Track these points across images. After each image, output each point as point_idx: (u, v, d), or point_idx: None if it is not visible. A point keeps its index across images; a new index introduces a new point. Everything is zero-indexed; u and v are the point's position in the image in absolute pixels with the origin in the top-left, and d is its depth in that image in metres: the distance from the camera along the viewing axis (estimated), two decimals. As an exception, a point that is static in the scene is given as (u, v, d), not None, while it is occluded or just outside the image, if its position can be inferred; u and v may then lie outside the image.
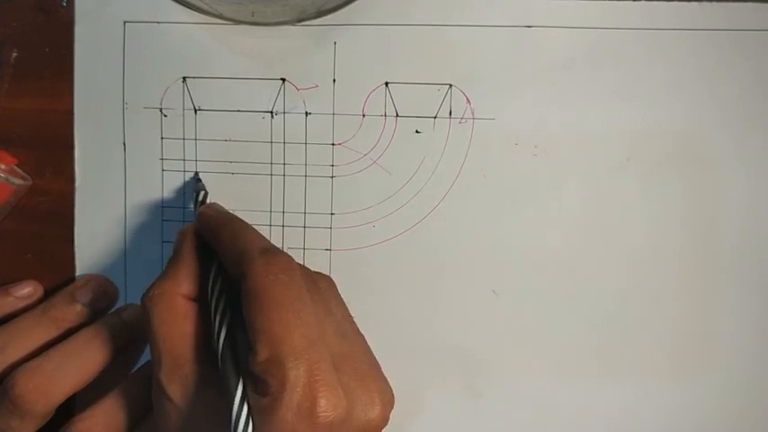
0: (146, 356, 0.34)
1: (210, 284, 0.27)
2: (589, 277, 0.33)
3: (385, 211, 0.33)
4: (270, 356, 0.23)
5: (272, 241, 0.34)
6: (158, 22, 0.33)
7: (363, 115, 0.33)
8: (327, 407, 0.23)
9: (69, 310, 0.32)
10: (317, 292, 0.28)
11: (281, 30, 0.32)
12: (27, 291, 0.33)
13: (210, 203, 0.32)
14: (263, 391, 0.23)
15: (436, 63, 0.32)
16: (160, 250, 0.34)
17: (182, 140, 0.33)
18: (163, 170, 0.34)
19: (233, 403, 0.23)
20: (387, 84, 0.32)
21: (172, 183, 0.34)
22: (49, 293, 0.34)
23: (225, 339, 0.25)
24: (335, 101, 0.33)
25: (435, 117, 0.32)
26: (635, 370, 0.33)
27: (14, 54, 0.34)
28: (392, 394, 0.27)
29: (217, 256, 0.28)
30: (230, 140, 0.33)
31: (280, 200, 0.33)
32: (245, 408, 0.23)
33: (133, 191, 0.34)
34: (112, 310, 0.34)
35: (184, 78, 0.33)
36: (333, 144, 0.33)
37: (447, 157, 0.33)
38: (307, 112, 0.33)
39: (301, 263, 0.29)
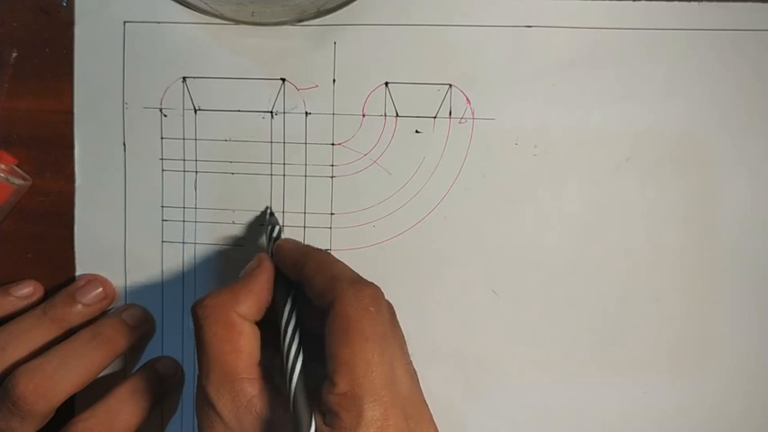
0: (146, 356, 0.34)
1: (286, 314, 0.27)
2: (589, 277, 0.33)
3: (385, 211, 0.33)
4: (349, 391, 0.23)
5: (272, 241, 0.34)
6: (158, 22, 0.33)
7: (363, 115, 0.33)
8: None
9: (69, 310, 0.32)
10: (396, 327, 0.28)
11: (281, 30, 0.32)
12: (27, 291, 0.33)
13: (288, 238, 0.32)
14: (334, 424, 0.23)
15: (436, 63, 0.32)
16: (160, 250, 0.34)
17: (182, 140, 0.33)
18: (163, 170, 0.34)
19: (300, 428, 0.23)
20: (387, 84, 0.32)
21: (172, 183, 0.34)
22: (49, 293, 0.34)
23: (300, 371, 0.25)
24: (335, 101, 0.33)
25: (435, 117, 0.32)
26: (635, 370, 0.33)
27: (14, 54, 0.34)
28: None
29: (293, 288, 0.28)
30: (230, 140, 0.33)
31: (280, 200, 0.33)
32: None
33: (133, 191, 0.34)
34: (112, 309, 0.34)
35: (184, 78, 0.33)
36: (333, 144, 0.33)
37: (447, 157, 0.33)
38: (307, 112, 0.33)
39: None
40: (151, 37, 0.33)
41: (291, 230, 0.33)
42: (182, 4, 0.30)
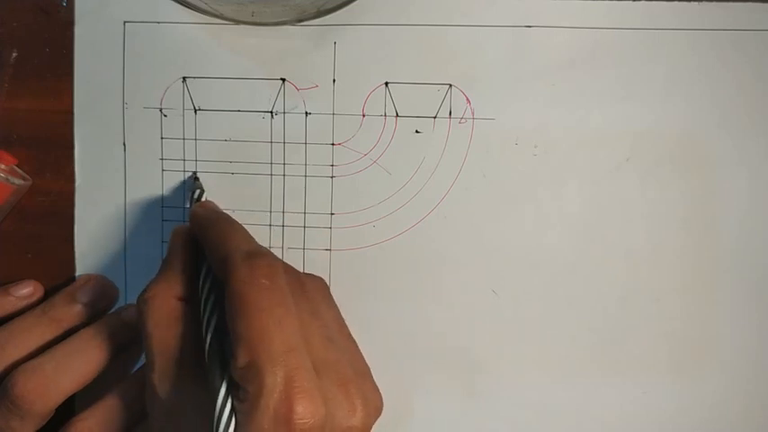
0: (146, 356, 0.34)
1: (200, 286, 0.27)
2: (589, 277, 0.33)
3: (385, 211, 0.33)
4: (248, 362, 0.23)
5: (272, 241, 0.34)
6: (158, 22, 0.33)
7: (363, 115, 0.33)
8: (305, 413, 0.23)
9: (69, 310, 0.32)
10: (302, 295, 0.28)
11: (281, 30, 0.32)
12: (27, 291, 0.33)
13: (204, 202, 0.32)
14: (242, 397, 0.23)
15: (436, 63, 0.32)
16: (160, 250, 0.34)
17: (182, 140, 0.33)
18: (163, 170, 0.34)
19: (215, 405, 0.23)
20: (387, 84, 0.32)
21: (172, 183, 0.34)
22: (49, 293, 0.34)
23: (211, 343, 0.25)
24: (335, 101, 0.33)
25: (435, 117, 0.32)
26: (635, 370, 0.33)
27: (14, 54, 0.34)
28: (380, 401, 0.26)
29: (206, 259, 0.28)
30: (230, 140, 0.33)
31: (280, 200, 0.33)
32: (228, 409, 0.23)
33: (133, 191, 0.34)
34: (112, 310, 0.34)
35: (184, 78, 0.33)
36: (333, 144, 0.33)
37: (447, 157, 0.33)
38: (307, 112, 0.33)
39: (287, 263, 0.29)
40: (151, 37, 0.33)
41: (291, 230, 0.33)
42: (182, 4, 0.30)
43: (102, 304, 0.33)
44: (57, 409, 0.30)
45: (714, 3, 0.31)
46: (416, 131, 0.33)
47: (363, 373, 0.27)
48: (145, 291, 0.28)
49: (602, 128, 0.32)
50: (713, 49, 0.31)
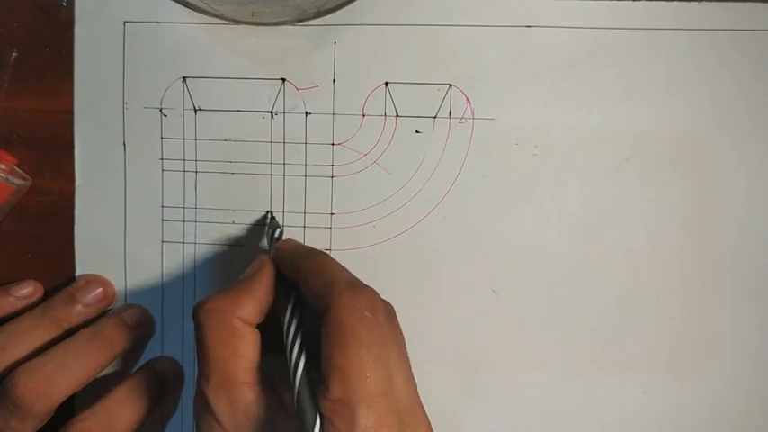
0: (146, 356, 0.34)
1: (288, 316, 0.27)
2: (589, 277, 0.33)
3: (385, 211, 0.33)
4: (342, 397, 0.23)
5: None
6: (158, 22, 0.33)
7: (363, 115, 0.33)
8: None
9: (69, 311, 0.32)
10: (395, 331, 0.27)
11: (281, 30, 0.32)
12: (27, 291, 0.33)
13: (288, 239, 0.32)
14: (327, 430, 0.23)
15: (436, 63, 0.32)
16: (160, 250, 0.34)
17: (182, 140, 0.33)
18: (163, 170, 0.34)
19: None
20: (387, 84, 0.32)
21: (172, 183, 0.34)
22: (49, 293, 0.34)
23: (303, 371, 0.25)
24: (335, 101, 0.33)
25: (435, 117, 0.32)
26: (635, 370, 0.33)
27: (14, 54, 0.34)
28: None
29: (295, 290, 0.28)
30: (230, 140, 0.33)
31: (280, 200, 0.33)
32: None
33: (133, 191, 0.34)
34: (112, 310, 0.34)
35: (184, 78, 0.33)
36: (333, 144, 0.33)
37: (447, 157, 0.33)
38: (307, 112, 0.33)
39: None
40: (151, 37, 0.33)
41: (291, 230, 0.33)
42: (182, 4, 0.30)
43: (102, 304, 0.33)
44: (57, 409, 0.30)
45: (714, 3, 0.31)
46: (416, 131, 0.33)
47: (427, 418, 0.27)
48: (206, 301, 0.27)
49: (602, 128, 0.32)
50: (713, 49, 0.31)
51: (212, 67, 0.33)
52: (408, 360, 0.27)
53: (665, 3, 0.31)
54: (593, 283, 0.33)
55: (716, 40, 0.31)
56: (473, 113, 0.32)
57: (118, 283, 0.34)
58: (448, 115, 0.32)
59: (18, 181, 0.33)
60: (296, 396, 0.25)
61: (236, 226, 0.34)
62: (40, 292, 0.34)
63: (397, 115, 0.33)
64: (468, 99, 0.32)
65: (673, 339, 0.33)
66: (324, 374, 0.24)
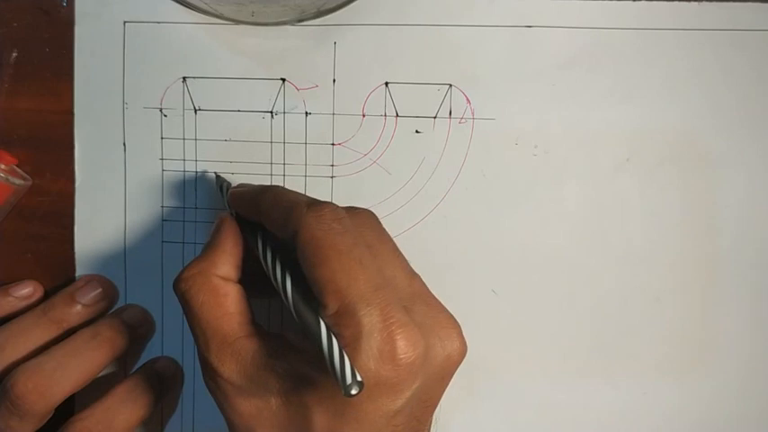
0: (146, 356, 0.34)
1: (260, 247, 0.27)
2: (589, 277, 0.33)
3: (385, 211, 0.33)
4: (340, 307, 0.23)
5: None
6: (158, 22, 0.33)
7: (363, 115, 0.33)
8: (407, 347, 0.22)
9: (69, 311, 0.32)
10: (380, 234, 0.27)
11: (281, 30, 0.32)
12: (27, 291, 0.33)
13: (238, 183, 0.32)
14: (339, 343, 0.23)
15: (436, 63, 0.32)
16: (160, 250, 0.34)
17: (182, 140, 0.33)
18: (163, 170, 0.34)
19: (322, 346, 0.22)
20: (387, 84, 0.32)
21: (172, 183, 0.34)
22: (49, 293, 0.34)
23: (292, 285, 0.25)
24: (335, 101, 0.33)
25: (435, 117, 0.32)
26: (634, 370, 0.33)
27: (14, 54, 0.34)
28: (459, 325, 0.26)
29: (261, 227, 0.27)
30: (230, 140, 0.33)
31: (280, 200, 0.33)
32: (336, 346, 0.22)
33: (133, 191, 0.34)
34: (112, 310, 0.34)
35: (184, 78, 0.33)
36: (333, 144, 0.33)
37: (447, 156, 0.33)
38: (307, 112, 0.33)
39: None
40: (151, 37, 0.33)
41: (291, 230, 0.33)
42: (182, 4, 0.30)
43: (102, 304, 0.33)
44: (57, 409, 0.30)
45: (713, 3, 0.31)
46: (416, 131, 0.33)
47: (439, 301, 0.26)
48: (183, 270, 0.27)
49: (601, 128, 0.32)
50: (713, 49, 0.31)
51: (212, 67, 0.33)
52: (404, 258, 0.27)
53: (664, 3, 0.31)
54: (592, 282, 0.33)
55: (715, 40, 0.31)
56: (473, 113, 0.32)
57: (118, 283, 0.34)
58: (448, 115, 0.32)
59: (18, 181, 0.33)
60: (293, 313, 0.24)
61: (236, 226, 0.34)
62: (40, 292, 0.34)
63: (397, 115, 0.33)
64: (468, 99, 0.32)
65: (672, 339, 0.33)
66: (317, 296, 0.24)
